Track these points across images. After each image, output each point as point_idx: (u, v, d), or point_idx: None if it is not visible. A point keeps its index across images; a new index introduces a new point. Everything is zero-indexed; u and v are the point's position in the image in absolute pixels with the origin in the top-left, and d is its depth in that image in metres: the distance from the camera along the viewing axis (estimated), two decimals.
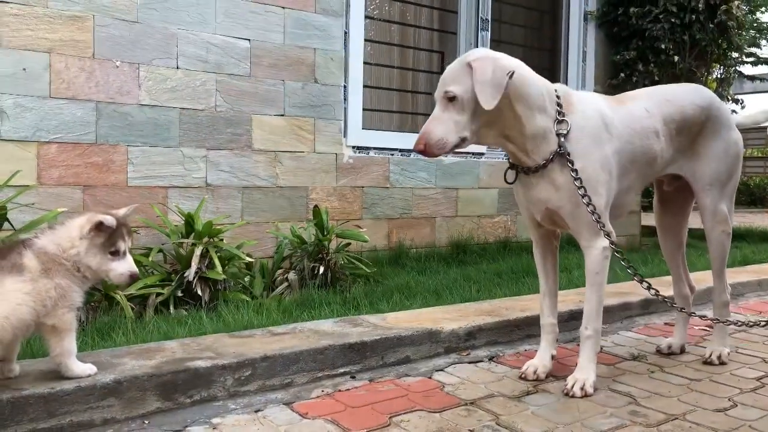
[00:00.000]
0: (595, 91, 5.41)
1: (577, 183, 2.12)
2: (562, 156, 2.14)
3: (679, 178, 2.55)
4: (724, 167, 2.48)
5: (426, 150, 2.04)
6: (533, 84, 2.14)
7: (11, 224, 2.85)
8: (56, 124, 3.21)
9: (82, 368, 1.84)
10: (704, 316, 2.33)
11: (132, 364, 1.97)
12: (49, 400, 1.73)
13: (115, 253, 1.85)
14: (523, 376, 2.31)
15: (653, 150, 2.36)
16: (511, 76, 2.02)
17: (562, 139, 2.14)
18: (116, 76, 3.37)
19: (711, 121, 2.47)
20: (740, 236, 6.26)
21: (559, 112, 2.16)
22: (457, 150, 2.11)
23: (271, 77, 3.87)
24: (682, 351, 2.69)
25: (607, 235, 2.17)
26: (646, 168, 2.39)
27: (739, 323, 2.30)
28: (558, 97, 2.19)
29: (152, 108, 3.48)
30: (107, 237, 1.82)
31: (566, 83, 5.05)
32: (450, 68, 2.10)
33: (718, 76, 5.59)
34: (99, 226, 1.80)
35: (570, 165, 2.13)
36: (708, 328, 2.99)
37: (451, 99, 2.04)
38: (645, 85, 5.17)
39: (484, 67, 2.00)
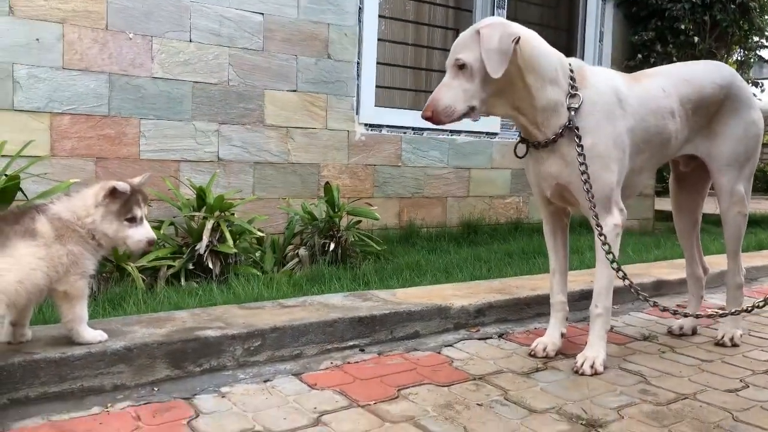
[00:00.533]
0: None
1: (580, 159, 2.08)
2: (572, 130, 2.10)
3: (695, 158, 2.50)
4: (742, 147, 2.42)
5: (433, 117, 2.02)
6: (546, 55, 2.10)
7: (24, 194, 2.86)
8: (69, 96, 3.21)
9: (92, 334, 1.85)
10: (699, 315, 2.31)
11: (142, 332, 1.98)
12: (60, 365, 1.75)
13: (132, 220, 1.84)
14: (532, 353, 2.30)
15: (668, 130, 2.32)
16: (516, 41, 1.99)
17: (573, 114, 2.10)
18: (129, 48, 3.36)
19: (730, 99, 2.41)
20: (755, 222, 6.19)
21: (572, 86, 2.13)
22: (465, 119, 2.09)
23: (284, 52, 3.85)
24: (694, 332, 2.67)
25: (596, 218, 2.11)
26: (659, 149, 2.34)
27: (742, 310, 2.24)
28: (572, 71, 2.15)
29: (165, 81, 3.47)
30: (122, 204, 1.82)
31: None
32: (462, 36, 2.08)
33: (738, 58, 5.48)
34: (113, 193, 1.80)
35: (577, 140, 2.09)
36: (720, 310, 2.96)
37: (461, 67, 2.01)
38: None
39: (491, 34, 1.97)
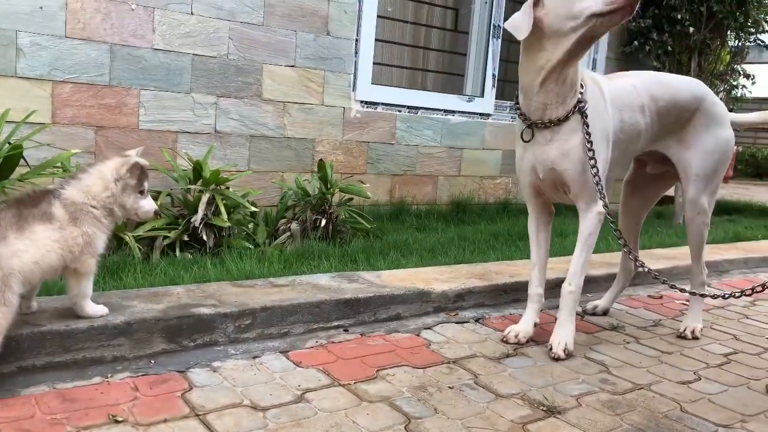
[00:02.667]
0: (607, 57, 5.40)
1: (588, 137, 2.23)
2: (578, 115, 2.24)
3: (664, 164, 2.65)
4: (711, 162, 2.58)
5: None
6: None
7: (26, 162, 2.96)
8: (71, 64, 3.28)
9: (95, 309, 1.99)
10: (683, 289, 2.44)
11: (141, 307, 2.12)
12: (64, 337, 1.88)
13: (142, 192, 2.02)
14: (504, 339, 2.46)
15: (639, 124, 2.46)
16: None
17: (581, 95, 2.25)
18: (131, 18, 3.40)
19: (703, 113, 2.57)
20: (738, 210, 6.35)
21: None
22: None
23: (284, 27, 3.90)
24: (605, 313, 2.93)
25: (604, 202, 2.30)
26: (632, 142, 2.49)
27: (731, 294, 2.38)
28: None
29: (165, 53, 3.53)
30: (137, 177, 1.99)
31: None
32: None
33: (732, 49, 5.54)
34: (134, 167, 1.97)
35: (584, 118, 2.24)
36: (686, 303, 3.12)
37: None
38: (658, 55, 5.17)
39: None
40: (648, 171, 2.76)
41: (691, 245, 2.72)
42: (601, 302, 2.94)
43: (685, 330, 2.69)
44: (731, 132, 2.64)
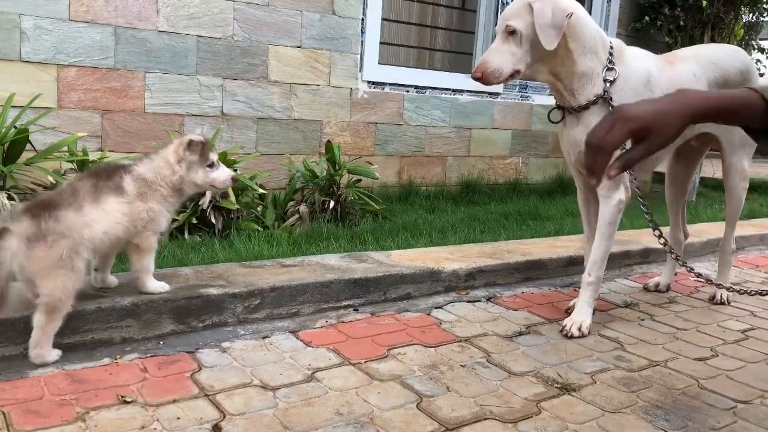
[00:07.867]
0: (618, 33, 5.30)
1: None
2: (604, 101, 2.23)
3: (704, 134, 2.65)
4: None
5: (483, 78, 2.17)
6: (588, 27, 2.22)
7: (33, 146, 2.95)
8: (75, 48, 3.25)
9: (155, 285, 2.05)
10: (708, 279, 2.44)
11: None
12: (73, 318, 1.86)
13: (212, 165, 2.05)
14: (565, 332, 2.31)
15: None
16: (569, 17, 2.12)
17: (608, 85, 2.23)
18: (135, 0, 3.36)
19: (746, 84, 2.56)
20: (753, 188, 6.23)
21: (610, 60, 2.25)
22: (510, 81, 2.26)
23: (289, 7, 3.84)
24: (668, 290, 2.92)
25: (636, 183, 2.29)
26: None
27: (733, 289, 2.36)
28: (611, 47, 2.28)
29: (170, 35, 3.49)
30: (200, 153, 2.02)
31: None
32: (512, 5, 2.20)
33: (747, 22, 5.41)
34: (190, 144, 1.99)
35: (611, 110, 2.19)
36: (704, 281, 3.08)
37: (511, 33, 2.15)
38: (670, 30, 5.07)
39: (544, 9, 2.11)
40: (692, 143, 2.76)
41: (729, 212, 2.78)
42: (661, 279, 2.96)
43: (718, 295, 2.79)
44: None
